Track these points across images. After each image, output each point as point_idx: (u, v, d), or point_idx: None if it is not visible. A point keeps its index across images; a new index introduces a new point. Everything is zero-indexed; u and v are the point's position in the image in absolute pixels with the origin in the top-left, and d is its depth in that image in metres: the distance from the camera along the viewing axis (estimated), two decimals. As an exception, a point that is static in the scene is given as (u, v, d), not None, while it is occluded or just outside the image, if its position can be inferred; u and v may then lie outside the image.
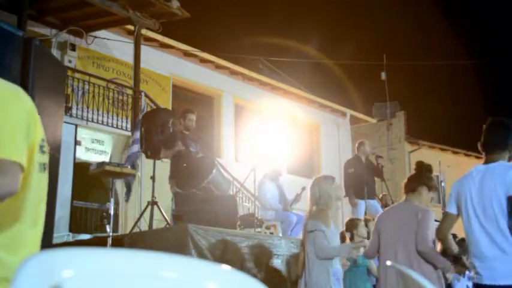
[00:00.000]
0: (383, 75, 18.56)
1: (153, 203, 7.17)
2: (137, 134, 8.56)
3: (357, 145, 8.80)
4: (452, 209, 3.68)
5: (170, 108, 11.47)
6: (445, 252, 4.14)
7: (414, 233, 4.00)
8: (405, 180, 4.35)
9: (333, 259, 4.35)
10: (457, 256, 4.12)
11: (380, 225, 4.29)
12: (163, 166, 7.74)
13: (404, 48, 38.96)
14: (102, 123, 10.25)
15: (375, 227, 4.38)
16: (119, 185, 9.12)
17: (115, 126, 10.45)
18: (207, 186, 6.66)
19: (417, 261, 3.96)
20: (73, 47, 10.62)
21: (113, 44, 11.51)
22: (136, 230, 7.40)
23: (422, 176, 4.29)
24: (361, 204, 8.00)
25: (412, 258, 3.99)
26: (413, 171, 4.44)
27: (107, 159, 9.96)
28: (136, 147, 8.81)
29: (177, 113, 7.85)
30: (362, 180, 7.97)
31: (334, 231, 4.46)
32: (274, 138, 8.41)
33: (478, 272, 3.41)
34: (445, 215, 3.81)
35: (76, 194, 9.21)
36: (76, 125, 9.63)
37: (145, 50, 11.38)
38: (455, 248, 3.92)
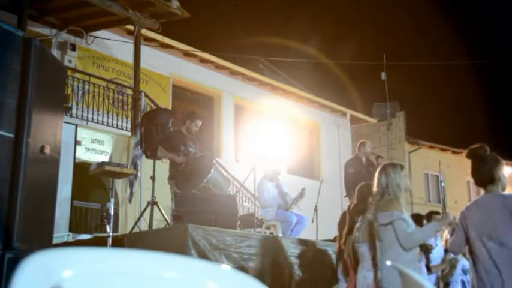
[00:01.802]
0: (383, 75, 18.56)
1: (153, 203, 7.17)
2: (139, 136, 8.57)
3: (357, 145, 8.81)
4: None
5: (170, 108, 11.47)
6: None
7: (505, 226, 3.65)
8: (471, 172, 3.89)
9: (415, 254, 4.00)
10: None
11: (466, 221, 3.85)
12: (163, 166, 7.74)
13: (404, 48, 38.96)
14: (102, 123, 10.25)
15: (459, 221, 3.95)
16: (119, 185, 9.13)
17: (115, 126, 10.45)
18: (206, 185, 6.66)
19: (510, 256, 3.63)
20: (73, 47, 10.62)
21: (113, 44, 11.51)
22: (136, 230, 7.40)
23: (488, 162, 3.84)
24: (361, 204, 8.00)
25: (504, 254, 3.64)
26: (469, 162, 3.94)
27: (107, 159, 9.96)
28: (139, 149, 8.83)
29: (182, 113, 7.85)
30: (362, 180, 7.94)
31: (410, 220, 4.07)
32: (274, 138, 8.41)
33: None
34: None
35: (76, 194, 9.21)
36: (76, 125, 9.63)
37: (145, 50, 11.38)
38: None
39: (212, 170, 6.77)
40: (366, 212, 4.53)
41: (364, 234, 4.46)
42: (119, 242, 5.83)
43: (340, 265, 5.58)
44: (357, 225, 4.62)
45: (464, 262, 6.40)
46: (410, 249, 3.85)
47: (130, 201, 9.27)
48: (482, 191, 3.84)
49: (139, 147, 8.33)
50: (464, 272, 6.32)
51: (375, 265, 4.25)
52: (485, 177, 3.82)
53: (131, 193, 9.14)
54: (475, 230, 3.77)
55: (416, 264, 3.95)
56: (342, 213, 6.02)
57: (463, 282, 6.27)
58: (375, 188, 4.15)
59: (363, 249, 4.47)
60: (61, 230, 8.02)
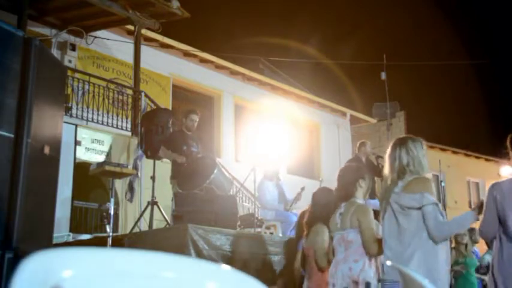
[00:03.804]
0: (383, 75, 18.55)
1: (153, 203, 7.17)
2: (139, 136, 8.57)
3: (357, 145, 8.81)
4: None
5: (170, 108, 11.47)
6: None
7: None
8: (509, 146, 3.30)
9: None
10: None
11: (501, 196, 3.30)
12: (164, 166, 7.74)
13: (404, 48, 38.98)
14: (102, 123, 10.26)
15: (489, 197, 3.37)
16: (119, 185, 9.12)
17: (115, 126, 10.46)
18: (209, 186, 6.66)
19: None
20: (73, 47, 10.62)
21: (113, 44, 11.51)
22: (136, 230, 7.40)
23: None
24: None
25: None
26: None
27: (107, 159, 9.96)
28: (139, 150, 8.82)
29: (181, 113, 7.87)
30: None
31: None
32: (274, 138, 8.40)
33: None
34: None
35: (76, 194, 9.21)
36: (76, 125, 9.63)
37: (145, 50, 11.38)
38: None
39: (215, 171, 6.76)
40: (353, 197, 4.03)
41: (353, 219, 3.90)
42: (119, 242, 5.83)
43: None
44: (340, 210, 4.05)
45: None
46: (440, 241, 3.27)
47: (131, 201, 9.27)
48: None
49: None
50: None
51: (378, 252, 3.77)
52: None
53: (132, 192, 9.13)
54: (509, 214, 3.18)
55: (448, 261, 3.40)
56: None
57: None
58: (387, 167, 3.54)
59: (352, 237, 3.90)
60: (61, 230, 8.02)
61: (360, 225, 3.86)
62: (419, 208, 3.26)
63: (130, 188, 9.21)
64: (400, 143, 3.49)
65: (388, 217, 3.43)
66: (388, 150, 3.57)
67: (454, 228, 3.39)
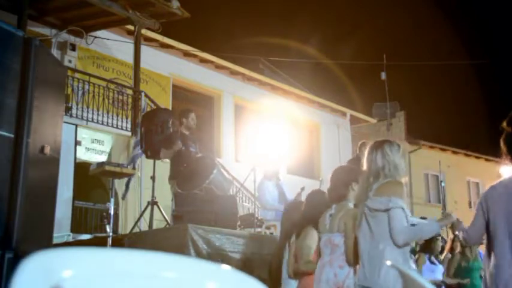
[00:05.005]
0: (383, 75, 18.58)
1: (153, 203, 7.17)
2: (139, 136, 8.58)
3: (358, 145, 8.79)
4: None
5: (170, 108, 11.48)
6: None
7: None
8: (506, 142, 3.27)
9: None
10: None
11: (489, 203, 3.24)
12: (163, 166, 7.74)
13: (404, 48, 39.00)
14: (102, 123, 10.26)
15: (479, 205, 3.30)
16: (119, 185, 9.13)
17: (115, 126, 10.46)
18: (208, 186, 6.66)
19: None
20: (73, 47, 10.63)
21: (113, 44, 11.51)
22: (136, 230, 7.40)
23: None
24: (362, 204, 8.00)
25: None
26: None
27: (106, 159, 9.97)
28: (139, 149, 8.83)
29: (177, 113, 7.86)
30: (363, 180, 7.94)
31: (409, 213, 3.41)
32: (274, 138, 8.40)
33: None
34: None
35: (76, 194, 9.22)
36: (76, 125, 9.64)
37: (145, 50, 11.38)
38: None
39: (215, 171, 6.76)
40: (345, 199, 3.95)
41: (341, 223, 3.82)
42: (119, 242, 5.83)
43: (285, 264, 4.82)
44: (330, 212, 3.96)
45: None
46: (402, 246, 3.27)
47: (123, 198, 9.26)
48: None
49: (139, 146, 8.34)
50: None
51: (354, 261, 3.67)
52: None
53: (126, 189, 9.13)
54: (500, 219, 3.13)
55: (410, 265, 3.42)
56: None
57: None
58: (364, 170, 3.54)
59: (338, 241, 3.81)
60: (62, 230, 8.03)
61: (345, 229, 3.80)
62: (386, 211, 3.26)
63: (126, 186, 9.22)
64: (377, 147, 3.49)
65: (362, 220, 3.44)
66: (365, 153, 3.56)
67: (416, 236, 3.41)
